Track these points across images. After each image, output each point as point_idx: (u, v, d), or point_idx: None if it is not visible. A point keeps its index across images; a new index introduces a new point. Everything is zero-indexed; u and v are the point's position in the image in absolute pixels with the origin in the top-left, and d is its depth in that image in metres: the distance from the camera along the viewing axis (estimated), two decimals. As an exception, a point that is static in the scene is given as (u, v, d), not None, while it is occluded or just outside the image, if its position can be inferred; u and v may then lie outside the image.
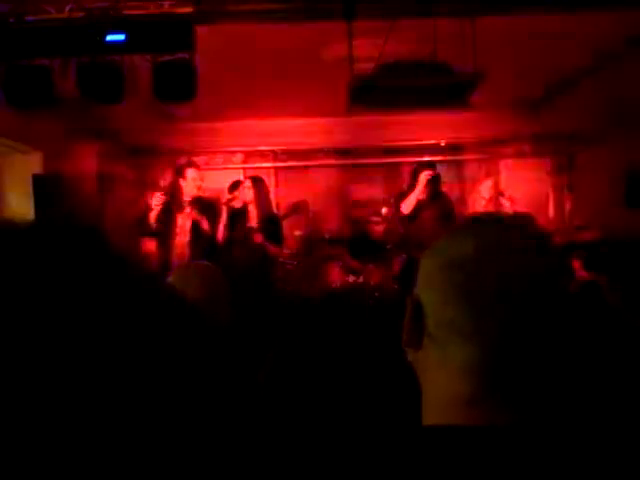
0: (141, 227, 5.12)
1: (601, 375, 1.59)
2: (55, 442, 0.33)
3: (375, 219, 7.11)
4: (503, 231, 0.80)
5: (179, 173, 5.19)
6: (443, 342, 0.77)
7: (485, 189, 6.35)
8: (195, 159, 7.97)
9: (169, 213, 5.02)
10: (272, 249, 5.48)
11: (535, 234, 0.82)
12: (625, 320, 2.12)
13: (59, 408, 0.33)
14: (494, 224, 0.84)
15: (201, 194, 5.15)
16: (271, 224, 5.49)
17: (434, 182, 5.72)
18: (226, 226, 5.27)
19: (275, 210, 7.09)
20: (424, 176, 5.63)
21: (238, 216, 5.43)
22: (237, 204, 5.45)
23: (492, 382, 0.75)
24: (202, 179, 5.21)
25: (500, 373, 0.75)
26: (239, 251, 5.32)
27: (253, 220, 5.42)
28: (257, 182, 5.57)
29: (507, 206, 5.88)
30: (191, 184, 5.07)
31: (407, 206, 5.73)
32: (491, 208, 5.81)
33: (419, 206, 5.69)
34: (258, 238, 5.31)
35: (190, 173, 5.15)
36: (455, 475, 0.67)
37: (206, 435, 0.39)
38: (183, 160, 5.97)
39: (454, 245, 0.79)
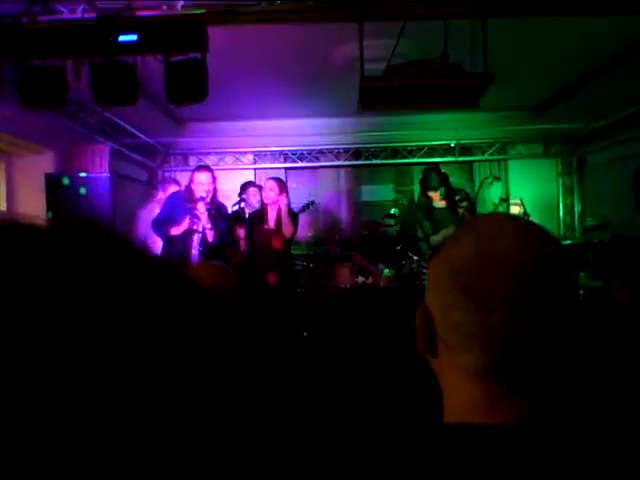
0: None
1: (609, 373, 1.58)
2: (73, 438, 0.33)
3: (387, 221, 7.10)
4: (504, 230, 0.79)
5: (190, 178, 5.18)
6: (452, 346, 0.77)
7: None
8: (206, 160, 8.03)
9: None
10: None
11: (538, 230, 0.80)
12: (633, 319, 2.11)
13: (72, 405, 0.33)
14: (494, 223, 0.83)
15: (206, 197, 5.04)
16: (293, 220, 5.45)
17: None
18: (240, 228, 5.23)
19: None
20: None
21: (256, 218, 5.42)
22: (248, 206, 5.43)
23: (501, 384, 0.75)
24: (212, 183, 5.10)
25: (508, 374, 0.74)
26: (260, 253, 5.30)
27: (272, 221, 5.38)
28: (280, 183, 5.48)
29: (516, 209, 5.86)
30: (200, 188, 5.02)
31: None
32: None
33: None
34: (276, 243, 5.30)
35: (197, 177, 5.08)
36: (471, 472, 0.67)
37: (213, 432, 0.39)
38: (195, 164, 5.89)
39: (457, 249, 0.79)
